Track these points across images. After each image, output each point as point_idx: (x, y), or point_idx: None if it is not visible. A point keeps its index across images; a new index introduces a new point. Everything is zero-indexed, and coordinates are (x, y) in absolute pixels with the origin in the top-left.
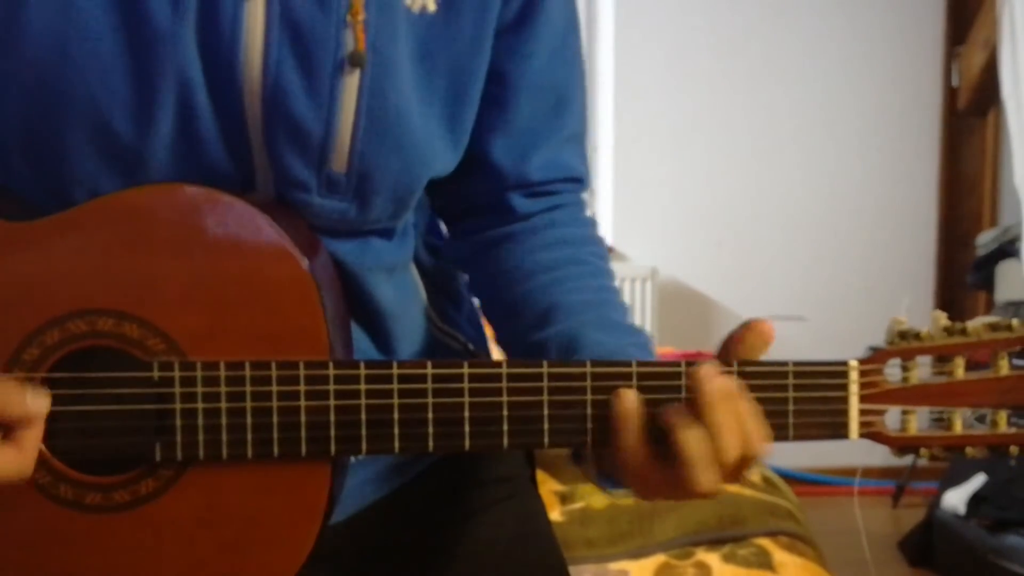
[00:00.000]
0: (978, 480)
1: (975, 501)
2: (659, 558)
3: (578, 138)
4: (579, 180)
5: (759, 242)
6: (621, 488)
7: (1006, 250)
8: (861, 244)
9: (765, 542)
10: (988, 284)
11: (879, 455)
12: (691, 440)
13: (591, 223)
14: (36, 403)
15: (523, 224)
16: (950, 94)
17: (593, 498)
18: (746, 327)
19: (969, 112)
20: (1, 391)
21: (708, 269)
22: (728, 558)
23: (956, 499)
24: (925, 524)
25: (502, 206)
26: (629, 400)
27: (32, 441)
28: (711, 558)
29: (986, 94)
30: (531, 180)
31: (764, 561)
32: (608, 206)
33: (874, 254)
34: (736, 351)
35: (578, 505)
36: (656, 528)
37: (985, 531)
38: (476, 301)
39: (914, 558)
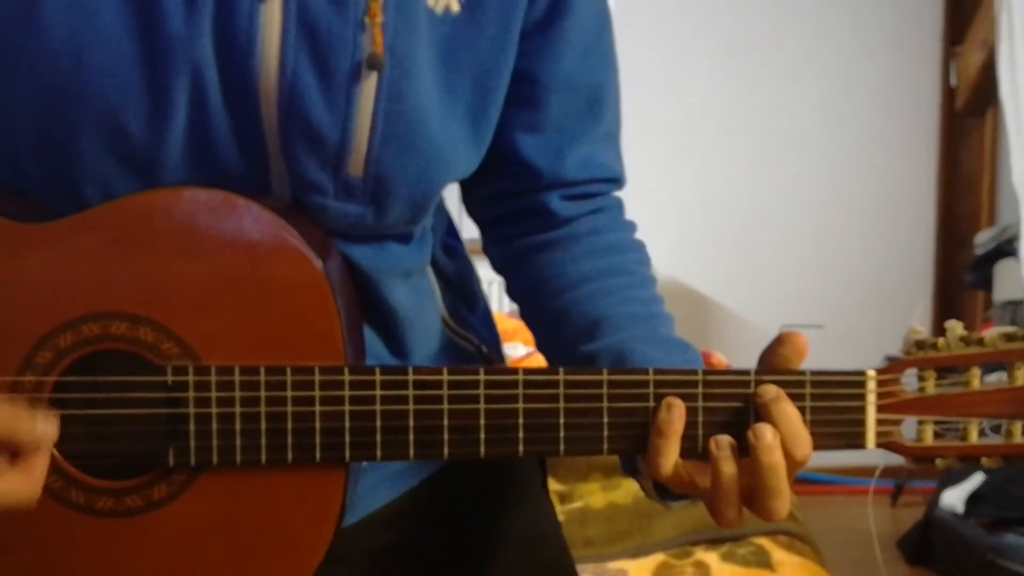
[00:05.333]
0: (976, 479)
1: (973, 500)
2: (658, 557)
3: (614, 136)
4: (616, 180)
5: (757, 242)
6: (679, 500)
7: (1004, 249)
8: (859, 243)
9: (764, 541)
10: (986, 283)
11: (879, 455)
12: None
13: (632, 227)
14: (46, 429)
15: (565, 230)
16: (948, 94)
17: (592, 498)
18: (780, 341)
19: (967, 112)
20: (11, 415)
21: (706, 268)
22: (727, 557)
23: (954, 498)
24: (923, 523)
25: (541, 209)
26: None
27: (40, 467)
28: (710, 557)
29: (984, 94)
30: (568, 179)
31: (763, 560)
32: None
33: (872, 253)
34: (771, 363)
35: (577, 505)
36: (655, 527)
37: (983, 530)
38: (492, 302)
39: (913, 557)
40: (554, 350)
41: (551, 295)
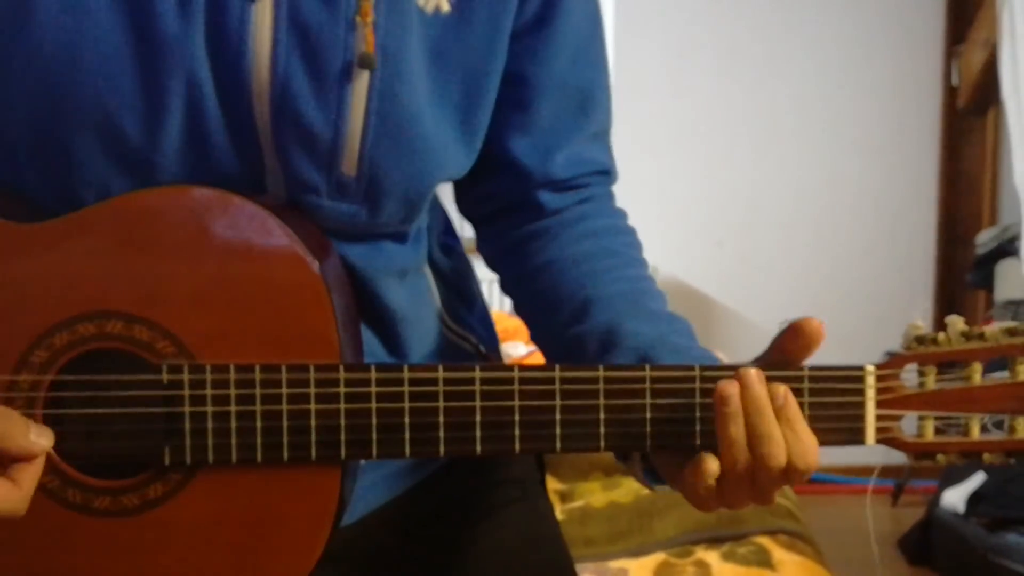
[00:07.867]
0: (977, 479)
1: (974, 500)
2: (659, 556)
3: (604, 135)
4: (607, 172)
5: (759, 241)
6: (667, 485)
7: (1006, 249)
8: (861, 243)
9: (764, 540)
10: (988, 283)
11: (880, 454)
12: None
13: (621, 214)
14: (39, 440)
15: (554, 219)
16: (950, 93)
17: (593, 497)
18: (795, 329)
19: (969, 111)
20: (5, 424)
21: (708, 268)
22: (727, 556)
23: (955, 498)
24: (924, 523)
25: (531, 204)
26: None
27: (30, 478)
28: (710, 556)
29: (986, 93)
30: (557, 178)
31: (763, 559)
32: None
33: (874, 253)
34: (789, 351)
35: (578, 504)
36: (656, 526)
37: (984, 530)
38: (492, 302)
39: (913, 557)
40: (545, 336)
41: (541, 282)
